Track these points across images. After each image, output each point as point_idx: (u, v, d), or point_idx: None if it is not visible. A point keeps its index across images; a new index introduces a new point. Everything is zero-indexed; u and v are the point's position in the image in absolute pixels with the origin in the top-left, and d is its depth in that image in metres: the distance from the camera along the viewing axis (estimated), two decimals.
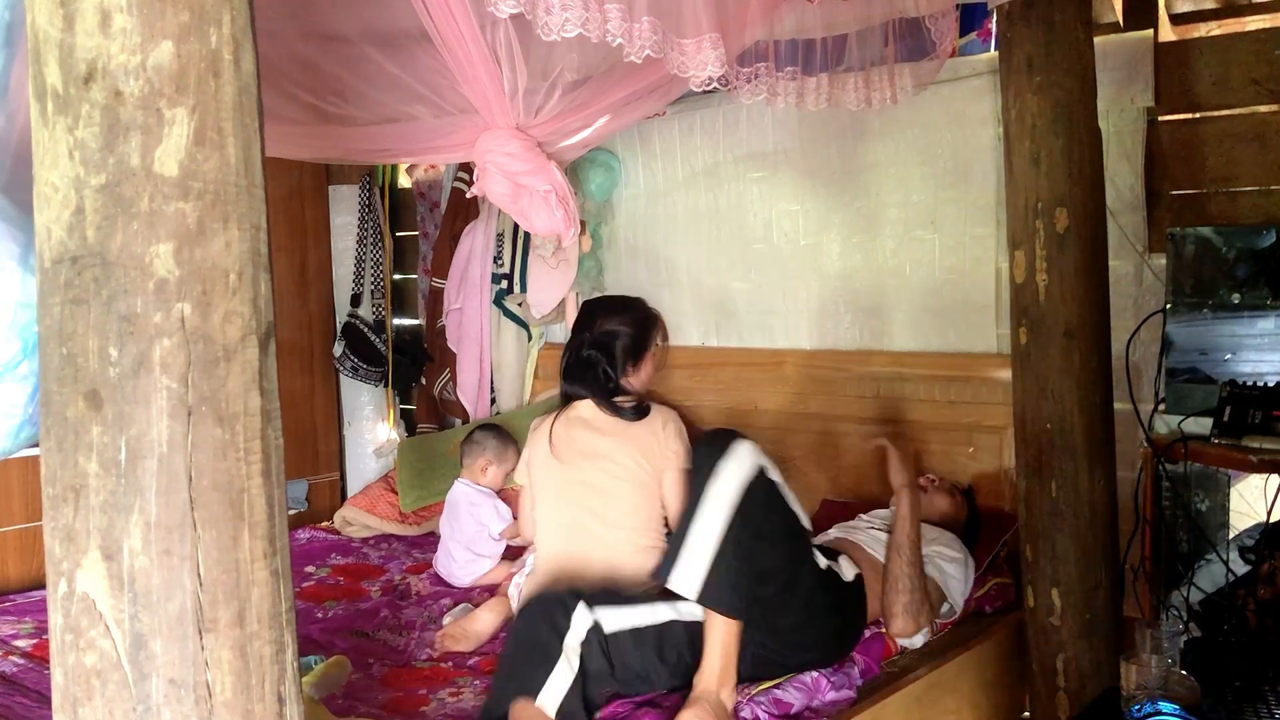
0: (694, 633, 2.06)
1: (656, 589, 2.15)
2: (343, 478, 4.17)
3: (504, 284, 3.73)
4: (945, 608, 2.46)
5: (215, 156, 0.92)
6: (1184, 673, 1.85)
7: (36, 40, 0.91)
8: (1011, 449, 2.61)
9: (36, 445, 1.03)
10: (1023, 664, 2.49)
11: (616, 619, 2.07)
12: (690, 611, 2.08)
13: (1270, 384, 2.19)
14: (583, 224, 3.47)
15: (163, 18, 0.89)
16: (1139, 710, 1.79)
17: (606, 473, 2.39)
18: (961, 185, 2.90)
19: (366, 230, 4.11)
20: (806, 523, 2.23)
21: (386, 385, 4.12)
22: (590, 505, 2.38)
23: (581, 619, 2.02)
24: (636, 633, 2.08)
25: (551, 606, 2.03)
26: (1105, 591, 2.40)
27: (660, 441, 2.40)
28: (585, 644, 2.01)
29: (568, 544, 2.39)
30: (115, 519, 0.90)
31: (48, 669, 0.96)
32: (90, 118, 0.89)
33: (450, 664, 2.38)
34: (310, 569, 3.11)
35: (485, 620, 2.53)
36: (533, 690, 1.93)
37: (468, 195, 3.73)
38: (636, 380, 2.57)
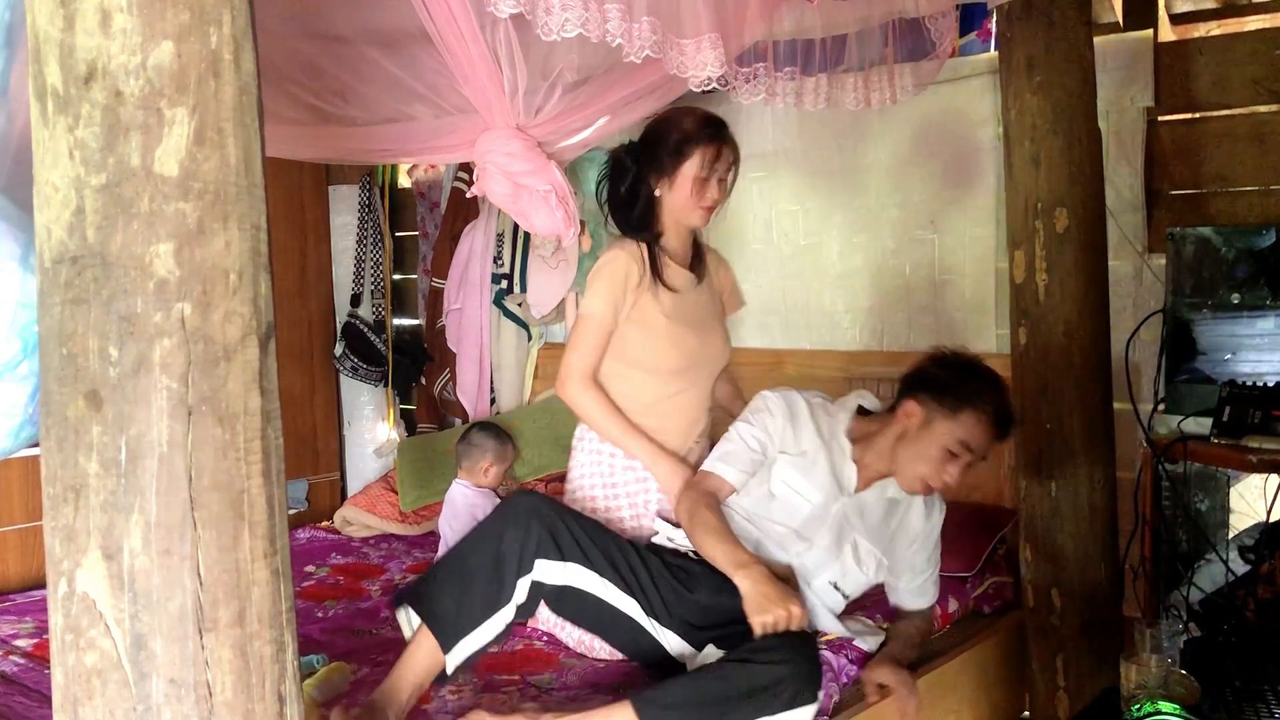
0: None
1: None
2: (343, 478, 4.17)
3: (504, 284, 3.73)
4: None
5: (215, 156, 0.92)
6: (1184, 673, 1.85)
7: (37, 40, 0.91)
8: (1011, 449, 2.62)
9: (36, 445, 1.03)
10: (1023, 664, 2.49)
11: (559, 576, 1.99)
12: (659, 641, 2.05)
13: (1270, 384, 2.19)
14: (583, 224, 3.47)
15: (163, 18, 0.89)
16: (1139, 710, 1.79)
17: None
18: (961, 185, 2.90)
19: (366, 230, 4.11)
20: None
21: (386, 385, 4.12)
22: None
23: (541, 573, 1.96)
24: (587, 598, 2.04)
25: (527, 526, 1.94)
26: (1105, 591, 2.40)
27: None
28: (532, 593, 1.97)
29: None
30: (115, 519, 0.90)
31: (48, 669, 0.96)
32: (90, 118, 0.89)
33: None
34: (310, 569, 3.11)
35: None
36: (464, 628, 1.90)
37: (468, 195, 3.73)
38: (669, 201, 2.28)
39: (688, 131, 2.26)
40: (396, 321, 4.23)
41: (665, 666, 2.05)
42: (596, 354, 2.29)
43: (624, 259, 2.28)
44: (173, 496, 0.90)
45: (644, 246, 2.32)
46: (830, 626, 2.15)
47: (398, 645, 2.48)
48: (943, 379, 2.10)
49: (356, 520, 3.53)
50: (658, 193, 2.28)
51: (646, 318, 2.29)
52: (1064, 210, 2.31)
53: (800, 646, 1.86)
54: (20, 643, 2.51)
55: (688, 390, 2.37)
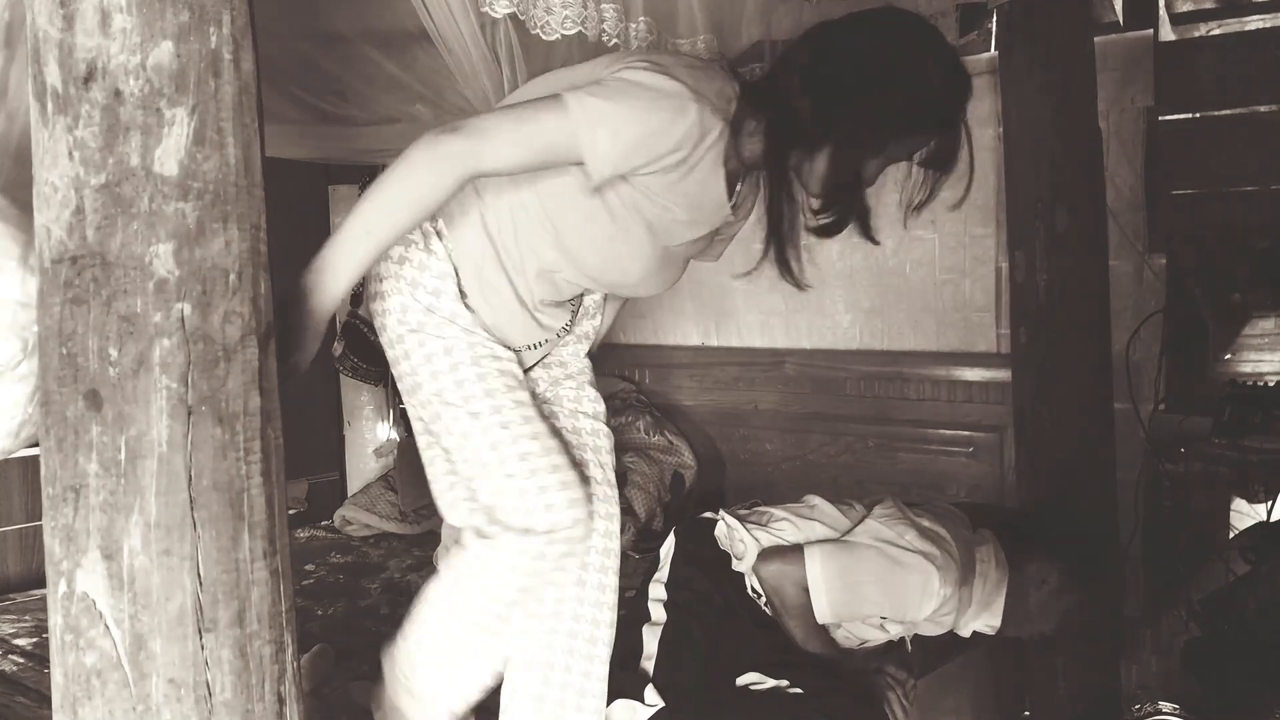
0: None
1: None
2: (343, 477, 4.17)
3: None
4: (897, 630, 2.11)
5: (215, 156, 0.92)
6: (1184, 672, 1.85)
7: (36, 40, 0.91)
8: (1011, 449, 2.62)
9: (37, 444, 1.03)
10: (1023, 664, 2.49)
11: None
12: None
13: (1271, 384, 2.19)
14: None
15: (162, 17, 0.89)
16: (1139, 710, 1.79)
17: None
18: (962, 185, 2.89)
19: None
20: None
21: (386, 385, 4.11)
22: None
23: None
24: None
25: None
26: (1105, 591, 2.40)
27: None
28: None
29: None
30: (115, 519, 0.90)
31: (48, 669, 0.96)
32: (90, 117, 0.89)
33: None
34: (310, 567, 3.11)
35: None
36: None
37: None
38: (811, 165, 1.52)
39: (945, 106, 1.49)
40: None
41: None
42: (512, 157, 1.44)
43: (692, 119, 1.46)
44: (172, 496, 0.90)
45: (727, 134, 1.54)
46: None
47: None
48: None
49: (356, 520, 3.54)
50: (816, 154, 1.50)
51: (623, 200, 1.56)
52: (1064, 210, 2.30)
53: None
54: (20, 642, 2.51)
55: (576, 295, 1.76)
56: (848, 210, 1.58)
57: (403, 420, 4.19)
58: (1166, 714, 1.79)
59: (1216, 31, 2.59)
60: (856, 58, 1.49)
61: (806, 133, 1.50)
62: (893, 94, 1.47)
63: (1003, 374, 2.66)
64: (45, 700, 2.07)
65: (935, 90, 1.48)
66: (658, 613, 2.00)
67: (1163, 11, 2.62)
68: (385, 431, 4.18)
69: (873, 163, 1.52)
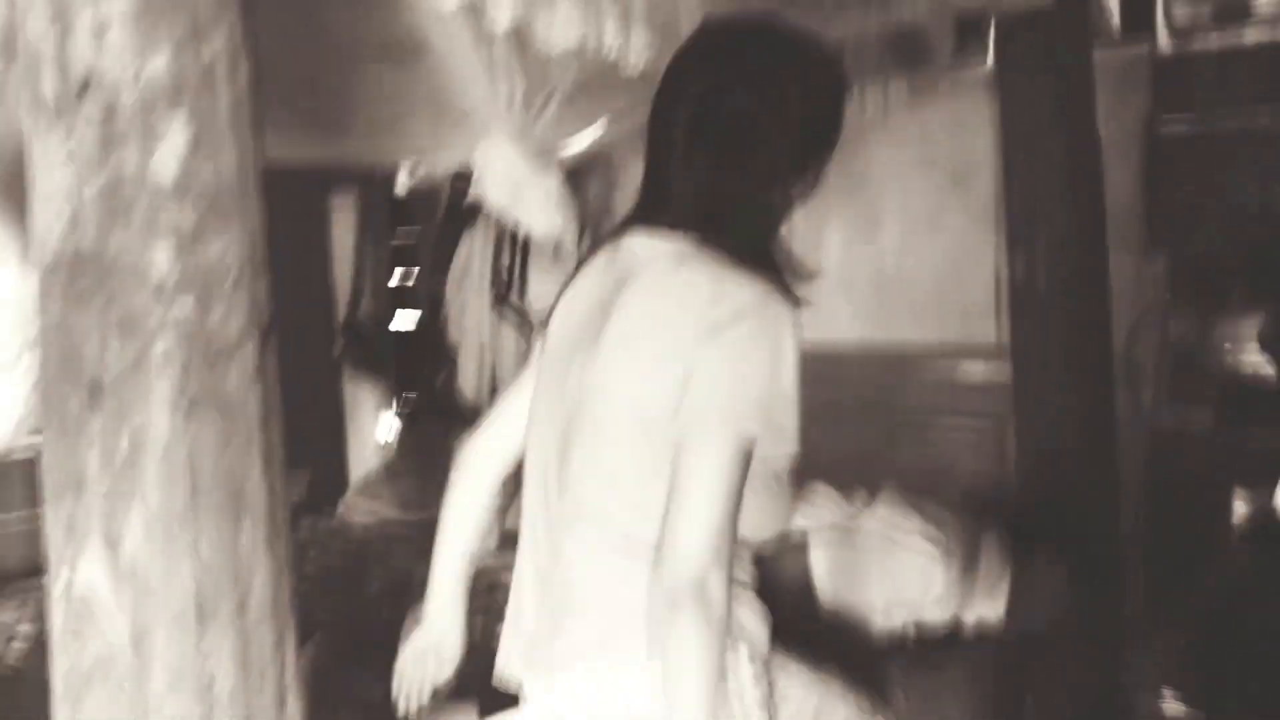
0: None
1: None
2: (344, 469, 4.17)
3: (504, 284, 3.75)
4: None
5: (210, 165, 0.92)
6: (1184, 673, 1.86)
7: (32, 51, 0.91)
8: (1011, 447, 2.62)
9: (38, 434, 1.04)
10: (1023, 664, 2.49)
11: None
12: None
13: (1270, 380, 2.20)
14: (583, 228, 3.48)
15: (157, 29, 0.89)
16: (1140, 709, 1.80)
17: (591, 378, 1.26)
18: (962, 186, 2.90)
19: (367, 232, 4.12)
20: None
21: (387, 385, 4.12)
22: (550, 455, 1.29)
23: None
24: None
25: None
26: (1105, 591, 2.40)
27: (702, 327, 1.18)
28: None
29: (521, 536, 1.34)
30: (116, 510, 0.90)
31: (49, 659, 0.96)
32: (86, 128, 0.89)
33: None
34: (311, 557, 3.12)
35: None
36: None
37: (467, 199, 3.74)
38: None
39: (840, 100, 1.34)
40: (396, 322, 4.24)
41: None
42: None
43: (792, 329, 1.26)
44: (173, 488, 0.91)
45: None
46: None
47: (399, 633, 2.49)
48: None
49: (358, 509, 3.54)
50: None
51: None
52: (1064, 211, 2.31)
53: None
54: (22, 628, 2.52)
55: None
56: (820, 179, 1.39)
57: (403, 414, 4.20)
58: (1167, 712, 1.79)
59: (1215, 39, 2.59)
60: (754, 91, 1.32)
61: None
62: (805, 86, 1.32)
63: (1003, 373, 2.66)
64: (46, 691, 2.08)
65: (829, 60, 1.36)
66: None
67: (1160, 22, 2.62)
68: (386, 425, 4.19)
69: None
